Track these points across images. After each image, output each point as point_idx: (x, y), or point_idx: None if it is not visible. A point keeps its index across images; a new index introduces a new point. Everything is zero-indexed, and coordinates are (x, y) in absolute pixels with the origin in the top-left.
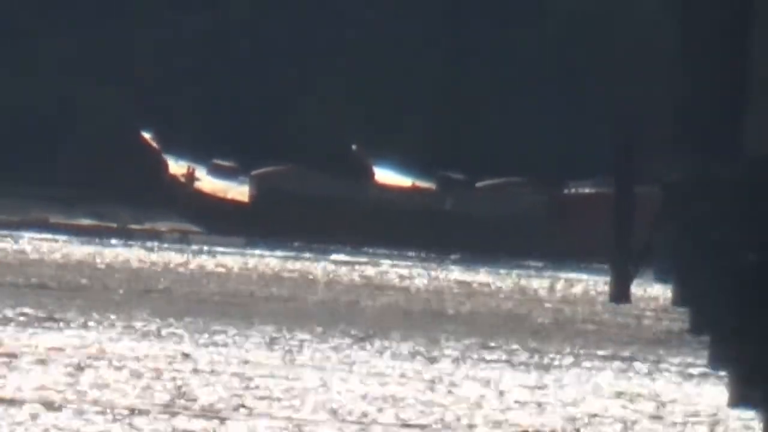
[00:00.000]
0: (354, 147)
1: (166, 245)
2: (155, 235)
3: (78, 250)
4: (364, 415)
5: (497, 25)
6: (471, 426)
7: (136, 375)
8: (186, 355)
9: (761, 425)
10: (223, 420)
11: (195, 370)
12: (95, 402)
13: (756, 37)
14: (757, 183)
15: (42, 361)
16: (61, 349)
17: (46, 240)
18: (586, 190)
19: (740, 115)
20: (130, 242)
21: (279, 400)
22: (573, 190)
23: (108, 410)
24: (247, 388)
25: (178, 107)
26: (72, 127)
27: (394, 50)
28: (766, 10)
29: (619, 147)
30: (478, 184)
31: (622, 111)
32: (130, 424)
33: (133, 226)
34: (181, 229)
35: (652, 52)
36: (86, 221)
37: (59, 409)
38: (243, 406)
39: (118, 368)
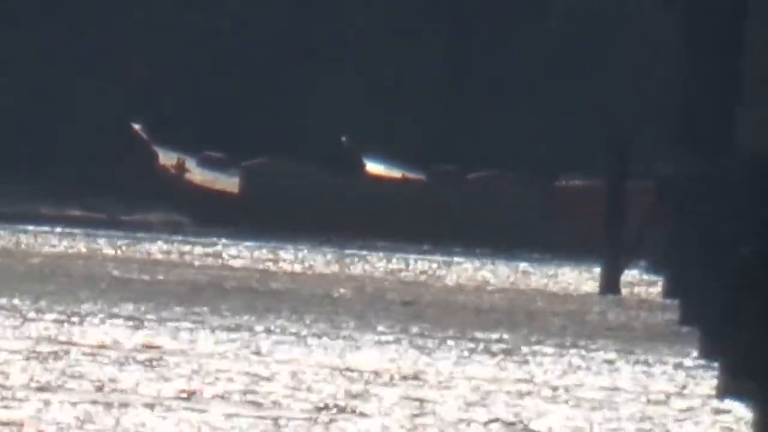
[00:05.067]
0: (344, 139)
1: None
2: (145, 226)
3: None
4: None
5: (495, 21)
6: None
7: None
8: None
9: (752, 416)
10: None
11: None
12: None
13: (751, 33)
14: (751, 178)
15: None
16: None
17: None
18: (579, 183)
19: (735, 111)
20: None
21: None
22: (565, 183)
23: None
24: None
25: (169, 99)
26: (64, 119)
27: (389, 45)
28: (761, 7)
29: (612, 141)
30: (470, 176)
31: (618, 106)
32: None
33: (124, 217)
34: (172, 220)
35: (647, 48)
36: (77, 212)
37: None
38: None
39: None
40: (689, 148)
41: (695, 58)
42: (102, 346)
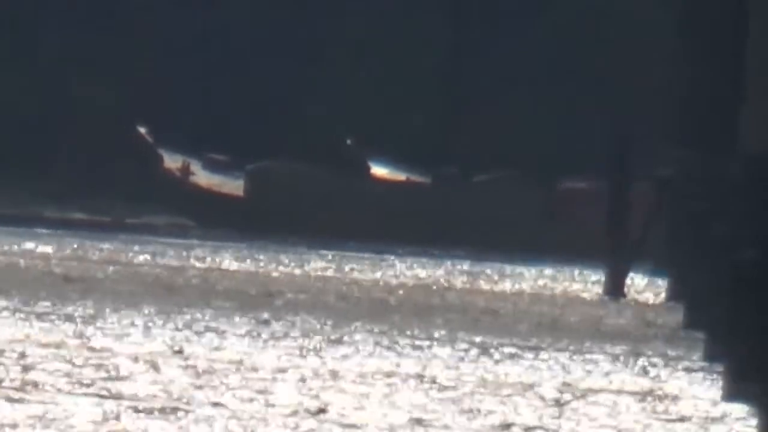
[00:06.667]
0: (349, 141)
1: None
2: (150, 229)
3: None
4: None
5: (496, 20)
6: None
7: None
8: None
9: (757, 420)
10: None
11: None
12: None
13: (752, 32)
14: (754, 179)
15: None
16: None
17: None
18: (581, 185)
19: (737, 111)
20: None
21: None
22: (568, 185)
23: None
24: None
25: (173, 102)
26: (68, 122)
27: (391, 45)
28: (761, 7)
29: (614, 142)
30: (473, 179)
31: (619, 107)
32: None
33: (129, 220)
34: (177, 224)
35: (649, 47)
36: (81, 215)
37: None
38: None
39: None
40: (690, 148)
41: (696, 58)
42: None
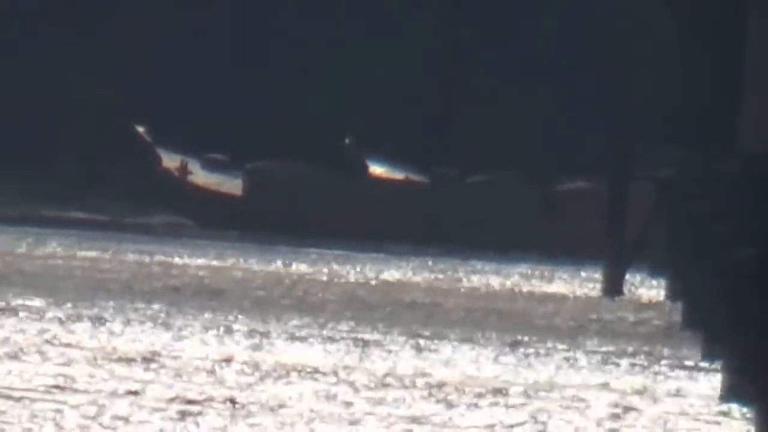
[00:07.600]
0: (347, 141)
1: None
2: (148, 229)
3: None
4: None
5: (495, 19)
6: None
7: None
8: None
9: (755, 419)
10: None
11: None
12: None
13: (751, 32)
14: (752, 178)
15: None
16: None
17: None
18: (580, 185)
19: (736, 111)
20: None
21: None
22: (566, 185)
23: None
24: None
25: (172, 101)
26: (66, 121)
27: (389, 45)
28: (760, 6)
29: (613, 142)
30: (471, 179)
31: (618, 107)
32: None
33: (127, 220)
34: (175, 223)
35: (648, 48)
36: (79, 215)
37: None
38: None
39: None
40: (689, 148)
41: (695, 58)
42: None
